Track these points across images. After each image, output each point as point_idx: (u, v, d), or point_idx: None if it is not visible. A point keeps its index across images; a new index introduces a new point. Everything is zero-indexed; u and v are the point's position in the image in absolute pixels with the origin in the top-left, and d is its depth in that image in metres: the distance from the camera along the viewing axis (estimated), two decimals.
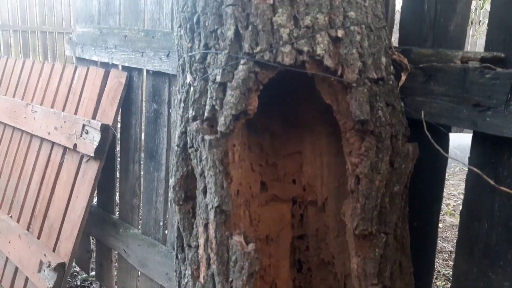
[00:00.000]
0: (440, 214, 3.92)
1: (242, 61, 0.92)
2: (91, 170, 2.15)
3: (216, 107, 0.94)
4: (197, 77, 0.98)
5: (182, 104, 1.04)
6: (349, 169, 1.00)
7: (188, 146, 1.01)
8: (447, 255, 3.12)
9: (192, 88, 0.99)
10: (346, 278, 1.17)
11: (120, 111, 2.18)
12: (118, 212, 2.33)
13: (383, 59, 1.00)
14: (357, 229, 0.97)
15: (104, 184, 2.36)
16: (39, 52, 7.62)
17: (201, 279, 0.98)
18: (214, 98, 0.94)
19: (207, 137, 0.94)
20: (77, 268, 2.76)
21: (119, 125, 2.28)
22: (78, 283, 2.69)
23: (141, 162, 2.16)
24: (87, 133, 2.15)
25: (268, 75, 0.93)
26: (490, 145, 1.04)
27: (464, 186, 1.12)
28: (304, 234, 1.24)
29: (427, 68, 1.08)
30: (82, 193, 2.17)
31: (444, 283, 2.71)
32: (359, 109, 0.94)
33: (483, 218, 1.09)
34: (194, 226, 1.02)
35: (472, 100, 1.03)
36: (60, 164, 2.33)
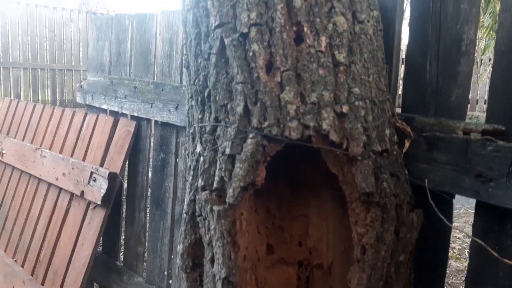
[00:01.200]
0: None
1: (250, 135, 0.95)
2: (97, 218, 2.17)
3: (225, 178, 0.97)
4: (207, 148, 1.02)
5: (191, 172, 1.07)
6: (355, 239, 1.02)
7: (197, 214, 1.03)
8: None
9: (202, 158, 1.02)
10: None
11: (127, 159, 2.21)
12: (122, 259, 2.32)
13: (387, 131, 1.03)
14: None
15: (109, 230, 2.37)
16: (48, 88, 7.77)
17: None
18: (223, 169, 0.97)
19: (215, 208, 0.96)
20: None
21: (126, 172, 2.31)
22: None
23: (147, 210, 2.18)
24: (94, 180, 2.18)
25: (275, 148, 0.96)
26: (493, 214, 1.06)
27: (469, 229, 1.13)
28: None
29: (430, 137, 1.11)
30: (88, 240, 2.18)
31: None
32: (364, 182, 0.97)
33: (488, 285, 1.10)
34: None
35: (475, 171, 1.05)
36: (67, 210, 2.35)
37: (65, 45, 7.93)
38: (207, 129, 1.02)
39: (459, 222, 4.45)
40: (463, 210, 4.78)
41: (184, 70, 1.89)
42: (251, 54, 0.96)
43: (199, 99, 1.05)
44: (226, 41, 0.97)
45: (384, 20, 1.15)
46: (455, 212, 4.74)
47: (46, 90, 7.73)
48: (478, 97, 9.64)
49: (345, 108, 0.97)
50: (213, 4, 0.98)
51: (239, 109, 0.96)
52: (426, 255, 1.18)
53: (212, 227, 0.98)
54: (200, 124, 1.04)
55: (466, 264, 3.70)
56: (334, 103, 0.96)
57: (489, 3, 2.11)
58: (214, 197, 0.98)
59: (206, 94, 1.02)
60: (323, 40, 0.96)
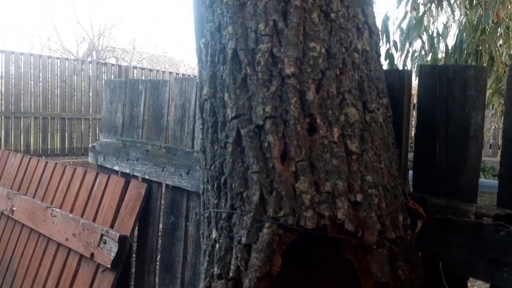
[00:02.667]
0: None
1: (266, 224, 0.97)
2: (106, 281, 2.16)
3: (241, 268, 0.98)
4: (223, 235, 1.04)
5: (207, 258, 1.08)
6: None
7: None
8: None
9: (217, 245, 1.04)
10: None
11: (138, 221, 2.22)
12: None
13: (400, 217, 1.05)
14: None
15: None
16: (57, 136, 7.88)
17: None
18: (239, 258, 0.99)
19: None
20: None
21: (135, 234, 2.32)
22: None
23: (156, 274, 2.17)
24: (105, 243, 2.18)
25: (291, 237, 0.98)
26: None
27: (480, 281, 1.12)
28: None
29: (442, 218, 1.13)
30: None
31: None
32: (380, 271, 0.97)
33: None
34: None
35: (488, 255, 1.06)
36: (76, 271, 2.34)
37: (75, 94, 8.12)
38: (223, 215, 1.04)
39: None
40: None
41: (196, 140, 1.95)
42: (266, 144, 0.99)
43: (215, 184, 1.07)
44: (242, 131, 1.01)
45: (392, 101, 1.19)
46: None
47: (56, 138, 7.84)
48: (483, 141, 9.66)
49: (359, 197, 0.99)
50: (229, 96, 1.03)
51: (255, 198, 0.99)
52: None
53: None
54: (216, 210, 1.06)
55: None
56: (348, 192, 0.99)
57: (492, 66, 2.18)
58: (230, 286, 0.99)
59: (222, 181, 1.05)
60: (336, 131, 1.00)
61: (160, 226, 2.16)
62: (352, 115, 1.01)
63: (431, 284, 1.12)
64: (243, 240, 0.99)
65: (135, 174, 2.25)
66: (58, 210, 2.57)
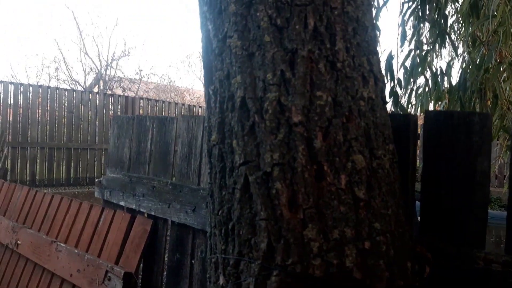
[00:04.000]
0: None
1: (274, 272, 0.97)
2: None
3: None
4: (230, 281, 1.03)
5: None
6: None
7: None
8: None
9: None
10: None
11: (143, 258, 2.21)
12: None
13: (408, 264, 1.05)
14: None
15: None
16: (63, 166, 7.92)
17: None
18: None
19: None
20: None
21: (140, 271, 2.30)
22: None
23: None
24: (109, 279, 2.17)
25: (299, 285, 0.98)
26: None
27: None
28: None
29: (451, 265, 1.12)
30: None
31: None
32: None
33: None
34: None
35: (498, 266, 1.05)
36: None
37: (82, 124, 8.20)
38: (231, 262, 1.04)
39: None
40: None
41: (203, 177, 1.96)
42: (274, 191, 1.00)
43: (223, 230, 1.08)
44: (250, 178, 1.02)
45: (398, 146, 1.21)
46: None
47: (61, 167, 7.88)
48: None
49: (367, 244, 0.99)
50: (238, 143, 1.05)
51: (263, 245, 0.99)
52: None
53: None
54: (223, 256, 1.06)
55: None
56: (356, 239, 0.99)
57: (496, 104, 2.20)
58: None
59: (230, 226, 1.06)
60: (343, 178, 1.01)
61: (165, 263, 2.15)
62: (359, 162, 1.03)
63: None
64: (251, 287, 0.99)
65: (141, 210, 2.26)
66: (63, 245, 2.57)
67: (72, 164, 7.98)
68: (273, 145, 1.01)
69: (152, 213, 2.17)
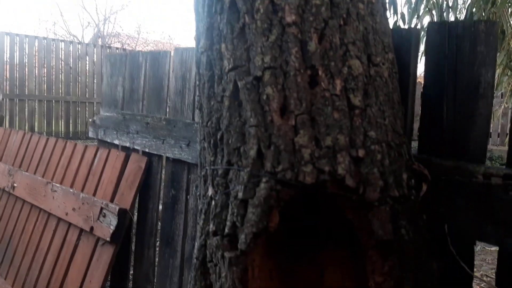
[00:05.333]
0: None
1: (264, 179, 0.93)
2: (106, 255, 2.13)
3: (237, 223, 0.94)
4: (219, 191, 1.00)
5: (202, 216, 1.04)
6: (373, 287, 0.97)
7: (208, 260, 1.00)
8: None
9: (213, 202, 1.00)
10: None
11: (138, 195, 2.19)
12: None
13: (404, 176, 1.00)
14: None
15: (117, 267, 2.32)
16: (61, 119, 7.88)
17: None
18: (235, 214, 0.95)
19: (227, 254, 0.93)
20: None
21: (136, 208, 2.29)
22: None
23: (157, 248, 2.14)
24: (104, 216, 2.16)
25: (289, 193, 0.94)
26: None
27: (486, 267, 1.08)
28: None
29: (449, 180, 1.08)
30: (96, 277, 2.14)
31: None
32: (381, 229, 0.93)
33: None
34: None
35: (497, 217, 1.01)
36: (76, 246, 2.32)
37: (80, 77, 8.09)
38: (219, 172, 1.00)
39: (476, 260, 4.31)
40: (480, 247, 4.64)
41: (197, 111, 1.90)
42: (265, 97, 0.94)
43: (212, 141, 1.03)
44: (240, 84, 0.97)
45: (399, 62, 1.14)
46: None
47: (60, 122, 7.83)
48: (491, 130, 9.54)
49: (361, 152, 0.94)
50: (226, 47, 0.98)
51: (252, 152, 0.94)
52: None
53: (223, 274, 0.94)
54: (212, 167, 1.02)
55: None
56: (349, 147, 0.94)
57: (503, 40, 2.11)
58: (225, 243, 0.95)
59: (218, 136, 1.01)
60: (338, 83, 0.95)
61: (161, 199, 2.13)
62: (355, 68, 0.96)
63: (436, 249, 1.07)
64: (240, 195, 0.95)
65: (135, 147, 2.22)
66: (58, 185, 2.55)
67: (70, 118, 7.92)
68: (264, 48, 0.95)
69: (147, 150, 2.14)
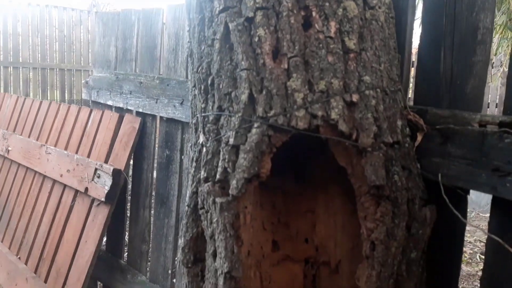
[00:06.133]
0: None
1: (255, 125, 0.91)
2: (101, 215, 2.14)
3: (228, 169, 0.93)
4: (210, 138, 0.98)
5: (194, 164, 1.03)
6: (364, 234, 0.97)
7: (199, 207, 0.99)
8: None
9: (204, 149, 0.98)
10: None
11: (132, 156, 2.18)
12: (126, 258, 2.29)
13: (399, 123, 0.99)
14: None
15: (113, 228, 2.34)
16: (56, 88, 7.79)
17: None
18: (226, 160, 0.93)
19: (218, 200, 0.92)
20: None
21: (130, 170, 2.28)
22: None
23: (152, 208, 2.14)
24: (99, 177, 2.15)
25: (281, 139, 0.92)
26: (511, 211, 1.01)
27: (480, 233, 1.08)
28: None
29: (443, 129, 1.06)
30: (91, 237, 2.15)
31: None
32: (374, 174, 0.92)
33: (505, 285, 1.04)
34: None
35: (491, 165, 1.00)
36: (71, 207, 2.32)
37: (74, 45, 7.96)
38: (210, 118, 0.98)
39: (469, 226, 4.36)
40: (474, 213, 4.69)
41: (188, 59, 1.86)
42: (256, 39, 0.91)
43: (202, 87, 1.01)
44: (231, 26, 0.93)
45: (396, 9, 1.11)
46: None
47: (55, 90, 7.75)
48: (489, 101, 9.49)
49: (355, 97, 0.92)
50: None
51: (244, 97, 0.92)
52: (439, 253, 1.12)
53: (214, 220, 0.94)
54: (203, 114, 1.00)
55: (477, 268, 3.61)
56: (343, 91, 0.92)
57: (502, 1, 2.05)
58: (217, 189, 0.94)
59: (209, 82, 0.98)
60: (333, 25, 0.92)
61: (155, 160, 2.12)
62: (351, 10, 0.93)
63: (430, 200, 1.06)
64: (231, 141, 0.93)
65: (129, 108, 2.19)
66: (52, 147, 2.53)
67: (66, 86, 7.83)
68: None
69: (140, 110, 2.11)
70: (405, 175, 0.97)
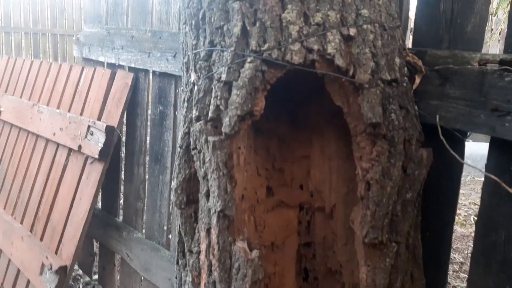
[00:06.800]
0: None
1: (248, 59, 0.88)
2: (95, 172, 2.12)
3: (221, 107, 0.90)
4: (202, 76, 0.94)
5: (185, 104, 1.00)
6: (359, 175, 0.95)
7: (191, 147, 0.97)
8: (458, 266, 3.04)
9: (196, 87, 0.95)
10: None
11: (125, 113, 2.15)
12: (122, 215, 2.29)
13: (397, 60, 0.95)
14: (366, 238, 0.92)
15: (108, 186, 2.33)
16: (49, 54, 7.66)
17: (202, 286, 0.94)
18: (218, 97, 0.90)
19: (210, 138, 0.90)
20: (80, 272, 2.73)
21: (124, 127, 2.25)
22: (81, 287, 2.65)
23: (146, 165, 2.13)
24: (92, 134, 2.12)
25: (276, 74, 0.89)
26: (509, 151, 0.99)
27: (475, 196, 1.07)
28: (311, 241, 1.19)
29: (442, 70, 1.03)
30: (86, 195, 2.14)
31: None
32: (371, 112, 0.89)
33: (501, 228, 1.03)
34: (196, 231, 0.98)
35: (491, 105, 0.98)
36: (65, 166, 2.30)
37: (66, 11, 7.77)
38: (202, 55, 0.94)
39: (465, 189, 4.40)
40: (470, 177, 4.72)
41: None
42: None
43: (193, 22, 0.96)
44: None
45: None
46: (461, 180, 4.68)
47: (48, 55, 7.62)
48: None
49: (352, 31, 0.88)
50: None
51: (236, 30, 0.88)
52: (434, 198, 1.11)
53: (207, 159, 0.91)
54: (194, 51, 0.96)
55: (471, 230, 3.66)
56: (340, 24, 0.88)
57: None
58: (209, 127, 0.92)
59: (200, 16, 0.94)
60: None
61: (149, 116, 2.09)
62: None
63: (427, 145, 1.04)
64: (223, 77, 0.90)
65: (121, 63, 2.14)
66: (44, 106, 2.49)
67: (58, 51, 7.69)
68: None
69: (132, 65, 2.06)
70: (402, 114, 0.95)
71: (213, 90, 0.91)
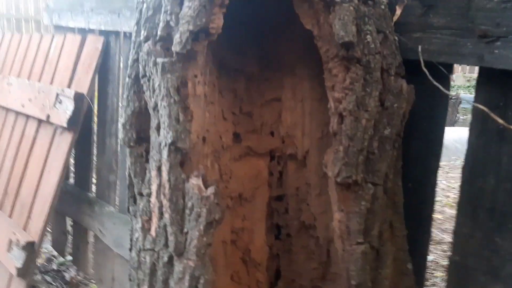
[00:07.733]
0: (440, 206, 3.74)
1: None
2: (64, 143, 2.00)
3: (171, 23, 0.79)
4: None
5: (135, 28, 0.88)
6: (332, 107, 0.84)
7: (140, 75, 0.86)
8: (447, 247, 2.96)
9: (145, 5, 0.84)
10: (329, 244, 1.01)
11: (96, 80, 2.03)
12: (95, 190, 2.17)
13: None
14: (339, 176, 0.82)
15: (80, 160, 2.21)
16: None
17: (152, 232, 0.83)
18: (168, 12, 0.79)
19: (159, 60, 0.79)
20: (55, 253, 2.61)
21: (96, 96, 2.13)
22: (55, 268, 2.53)
23: (119, 135, 2.01)
24: (60, 102, 2.00)
25: None
26: (499, 83, 0.89)
27: None
28: (283, 194, 1.08)
29: None
30: (55, 167, 2.02)
31: (443, 274, 2.55)
32: (343, 29, 0.79)
33: (489, 173, 0.93)
34: (147, 172, 0.86)
35: (478, 31, 0.87)
36: (34, 138, 2.18)
37: None
38: None
39: (454, 173, 4.32)
40: (460, 161, 4.64)
41: None
42: None
43: None
44: None
45: None
46: (450, 163, 4.60)
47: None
48: None
49: None
50: None
51: None
52: (417, 143, 1.01)
53: (156, 85, 0.80)
54: None
55: None
56: None
57: None
58: (158, 48, 0.80)
59: None
60: None
61: (121, 83, 1.97)
62: None
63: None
64: None
65: (91, 27, 2.02)
66: (13, 78, 2.36)
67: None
68: None
69: (103, 28, 1.94)
70: (379, 38, 0.84)
71: (163, 5, 0.80)
